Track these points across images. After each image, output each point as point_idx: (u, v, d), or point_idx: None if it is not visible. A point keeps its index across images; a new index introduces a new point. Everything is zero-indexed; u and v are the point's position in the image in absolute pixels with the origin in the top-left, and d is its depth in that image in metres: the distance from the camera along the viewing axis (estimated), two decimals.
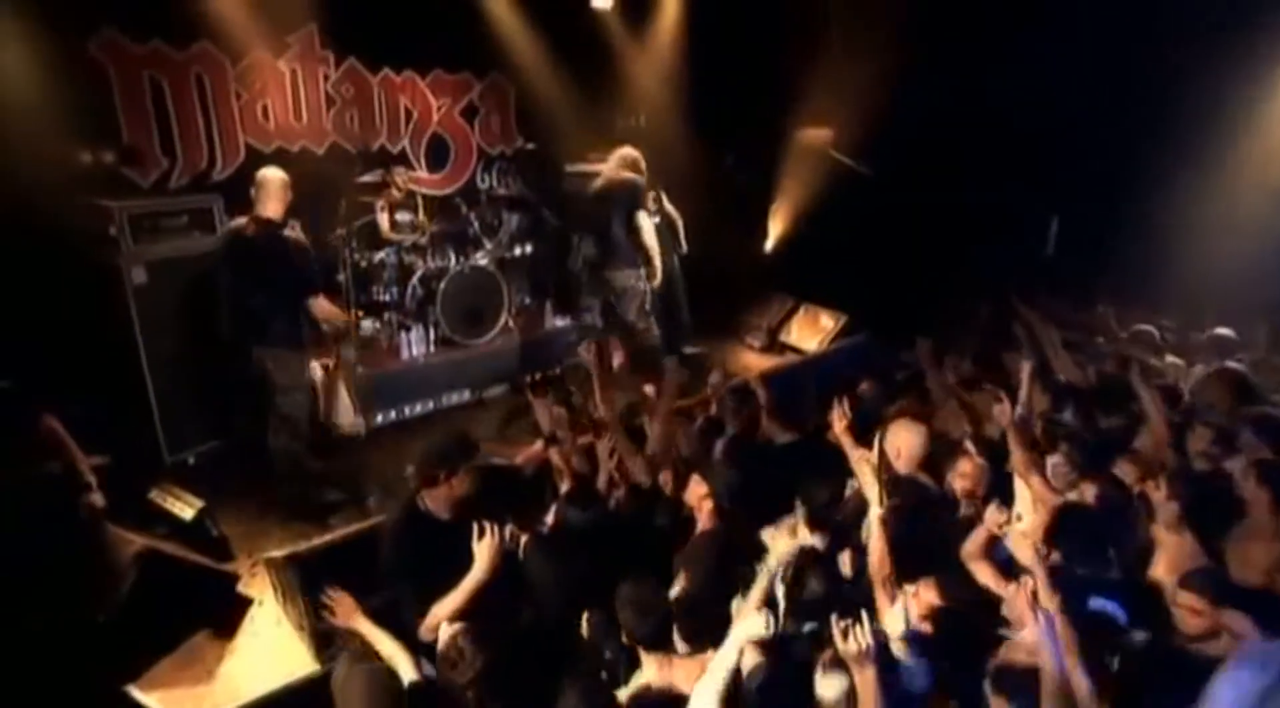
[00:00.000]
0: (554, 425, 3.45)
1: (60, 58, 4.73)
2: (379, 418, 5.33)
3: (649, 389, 3.97)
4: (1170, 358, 5.49)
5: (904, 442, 3.09)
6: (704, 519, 2.92)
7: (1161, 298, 6.51)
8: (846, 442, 3.18)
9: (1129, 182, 6.74)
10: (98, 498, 3.32)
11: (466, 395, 5.76)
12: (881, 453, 2.93)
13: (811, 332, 6.79)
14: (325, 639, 2.95)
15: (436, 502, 2.86)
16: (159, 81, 5.37)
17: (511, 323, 6.14)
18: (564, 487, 3.41)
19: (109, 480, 3.59)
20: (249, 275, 3.95)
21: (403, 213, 5.94)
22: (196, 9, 5.20)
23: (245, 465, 4.71)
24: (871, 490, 2.56)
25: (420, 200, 6.12)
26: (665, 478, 3.53)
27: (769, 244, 7.65)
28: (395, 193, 5.85)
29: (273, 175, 4.04)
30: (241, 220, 4.06)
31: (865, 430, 3.93)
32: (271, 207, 3.99)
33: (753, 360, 6.65)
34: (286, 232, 4.04)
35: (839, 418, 3.28)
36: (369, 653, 2.54)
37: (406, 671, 2.33)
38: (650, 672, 2.27)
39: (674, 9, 7.15)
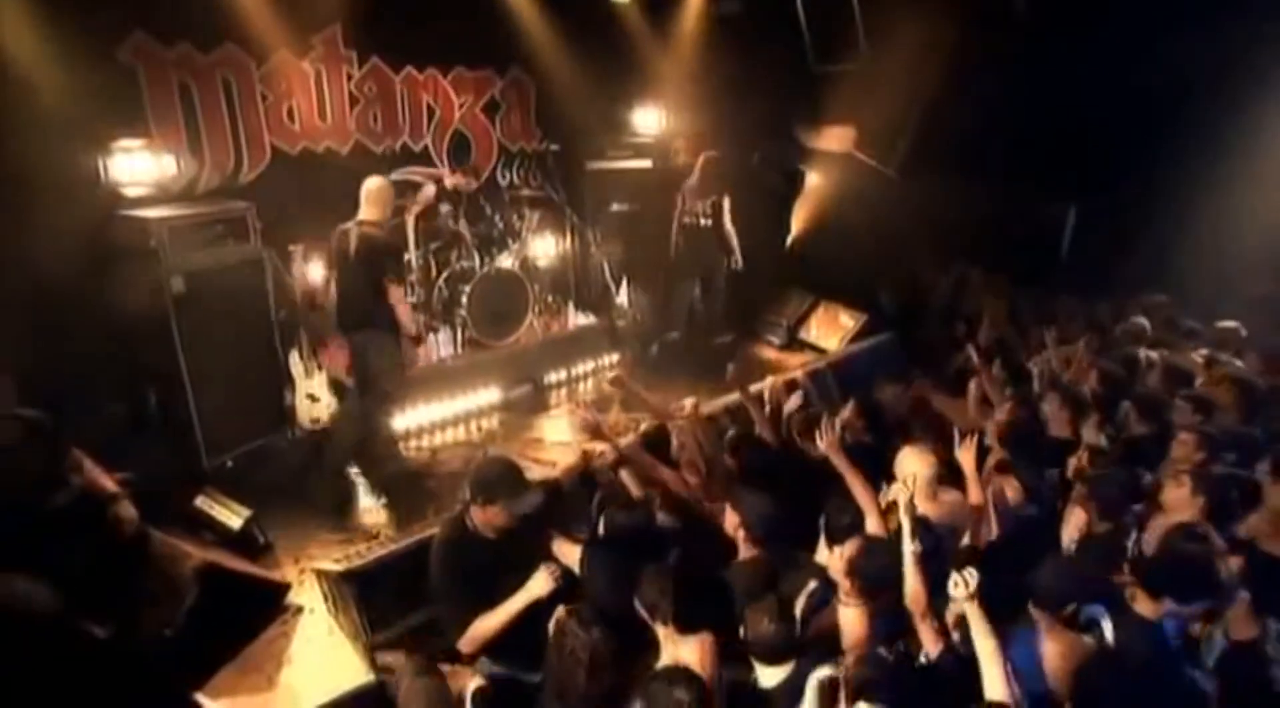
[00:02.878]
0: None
1: (91, 62, 4.77)
2: (410, 420, 5.44)
3: (688, 402, 4.03)
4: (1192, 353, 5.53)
5: (912, 471, 3.09)
6: (743, 548, 3.01)
7: (1180, 290, 6.55)
8: (838, 461, 3.19)
9: (1148, 176, 6.77)
10: (127, 507, 3.34)
11: (495, 395, 5.84)
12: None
13: (831, 330, 6.85)
14: (380, 651, 3.07)
15: (484, 523, 2.95)
16: (186, 84, 5.40)
17: (535, 323, 6.20)
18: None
19: (147, 490, 3.71)
20: (346, 270, 4.53)
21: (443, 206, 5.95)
22: (222, 11, 5.21)
23: (282, 469, 4.87)
24: (905, 528, 2.59)
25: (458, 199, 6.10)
26: (695, 486, 3.64)
27: (791, 240, 7.68)
28: (436, 187, 5.82)
29: (373, 184, 4.55)
30: (348, 224, 4.55)
31: (885, 438, 4.04)
32: (369, 211, 4.52)
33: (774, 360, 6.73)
34: (377, 231, 4.51)
35: (826, 432, 3.28)
36: (431, 667, 2.65)
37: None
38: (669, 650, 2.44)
39: (699, 6, 7.11)
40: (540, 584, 2.71)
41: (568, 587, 2.77)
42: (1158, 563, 2.68)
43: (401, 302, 4.52)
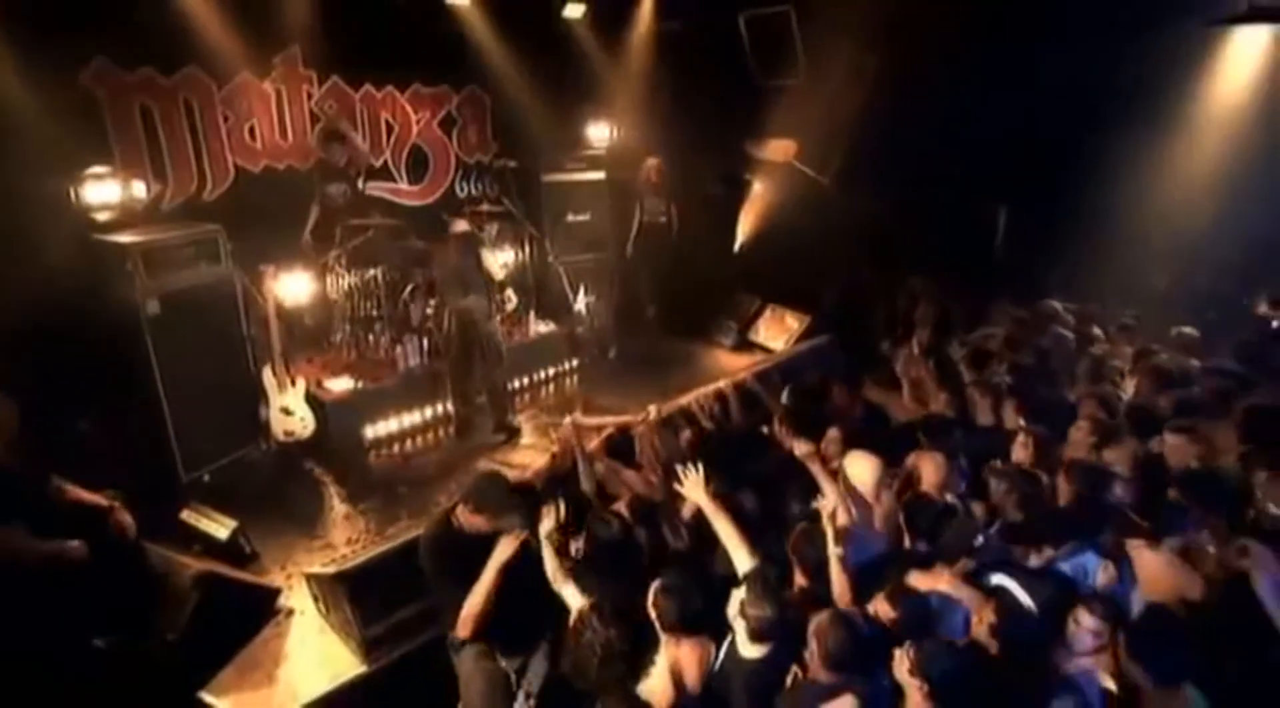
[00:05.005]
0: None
1: (53, 89, 4.85)
2: (380, 428, 5.67)
3: (651, 409, 4.39)
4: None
5: (858, 474, 3.51)
6: None
7: (1103, 285, 7.15)
8: (815, 467, 3.52)
9: (1068, 179, 7.35)
10: (124, 514, 3.54)
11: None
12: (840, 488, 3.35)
13: (778, 331, 7.30)
14: (373, 644, 3.36)
15: (469, 520, 3.24)
16: (149, 107, 5.51)
17: (499, 331, 6.46)
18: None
19: (131, 505, 3.91)
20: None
21: (336, 185, 6.10)
22: (183, 35, 5.34)
23: (258, 481, 5.06)
24: (829, 531, 2.96)
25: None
26: (656, 486, 4.00)
27: (739, 246, 8.11)
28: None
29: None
30: (462, 224, 5.81)
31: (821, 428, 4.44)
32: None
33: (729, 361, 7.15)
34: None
35: (800, 444, 3.60)
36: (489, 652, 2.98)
37: None
38: (666, 653, 2.72)
39: (647, 24, 7.47)
40: (504, 549, 2.99)
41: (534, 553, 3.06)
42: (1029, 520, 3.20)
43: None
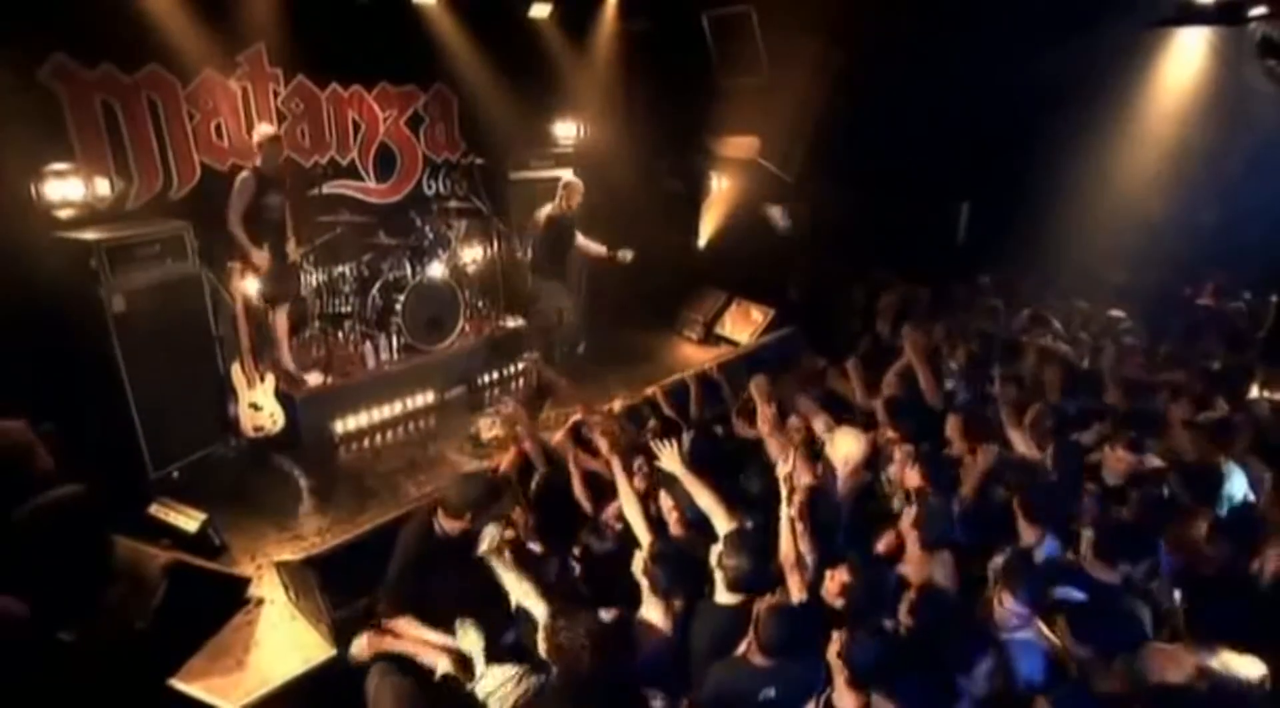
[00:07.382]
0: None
1: (10, 85, 4.84)
2: (350, 423, 5.72)
3: (615, 404, 4.51)
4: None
5: (845, 451, 3.63)
6: (674, 526, 3.45)
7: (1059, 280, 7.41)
8: (778, 438, 3.76)
9: (1025, 177, 7.59)
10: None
11: (430, 398, 6.18)
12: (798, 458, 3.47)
13: (743, 324, 7.46)
14: (342, 627, 3.43)
15: (450, 525, 3.35)
16: (111, 105, 5.49)
17: (468, 327, 6.55)
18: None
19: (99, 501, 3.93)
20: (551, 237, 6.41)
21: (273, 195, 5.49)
22: (145, 32, 5.33)
23: (228, 476, 5.09)
24: (784, 495, 3.10)
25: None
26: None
27: (705, 242, 8.25)
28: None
29: (574, 180, 6.48)
30: (550, 207, 6.45)
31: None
32: (573, 201, 6.41)
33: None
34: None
35: (762, 421, 3.81)
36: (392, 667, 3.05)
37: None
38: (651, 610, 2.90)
39: (612, 23, 7.58)
40: (434, 660, 3.05)
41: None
42: (1106, 532, 3.10)
43: (587, 244, 6.65)
